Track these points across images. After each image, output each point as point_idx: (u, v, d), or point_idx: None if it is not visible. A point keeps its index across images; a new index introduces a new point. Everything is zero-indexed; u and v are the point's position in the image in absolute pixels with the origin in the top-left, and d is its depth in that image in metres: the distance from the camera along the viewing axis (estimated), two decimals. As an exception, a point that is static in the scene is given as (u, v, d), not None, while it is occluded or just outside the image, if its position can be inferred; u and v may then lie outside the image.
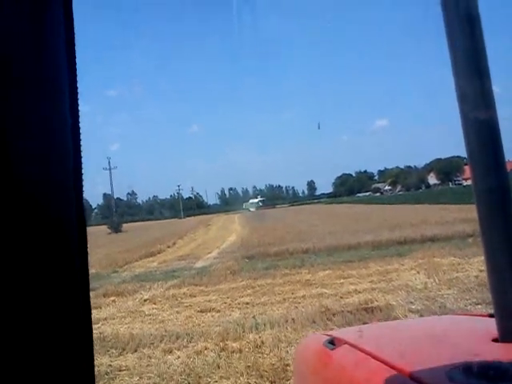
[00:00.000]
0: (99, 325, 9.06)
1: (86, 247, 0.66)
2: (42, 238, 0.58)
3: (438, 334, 1.09)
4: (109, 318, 9.54)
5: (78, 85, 0.67)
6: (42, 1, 0.61)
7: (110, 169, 76.54)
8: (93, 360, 0.65)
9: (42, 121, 0.60)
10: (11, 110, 0.57)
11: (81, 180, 0.66)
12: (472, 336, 1.00)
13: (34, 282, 0.57)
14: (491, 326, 0.88)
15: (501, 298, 0.82)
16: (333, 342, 1.27)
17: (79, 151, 0.66)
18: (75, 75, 0.66)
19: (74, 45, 0.66)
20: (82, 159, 0.67)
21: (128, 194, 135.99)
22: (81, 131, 0.67)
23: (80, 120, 0.66)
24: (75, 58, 0.67)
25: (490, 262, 0.81)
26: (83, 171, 0.67)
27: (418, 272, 10.69)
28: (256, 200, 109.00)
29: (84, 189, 0.66)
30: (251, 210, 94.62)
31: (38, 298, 0.57)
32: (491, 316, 0.93)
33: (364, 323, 7.45)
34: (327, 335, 1.38)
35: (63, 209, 0.62)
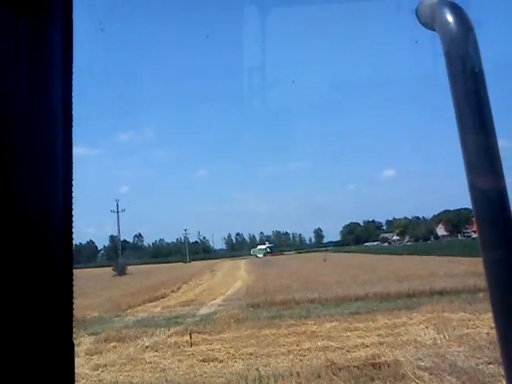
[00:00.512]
0: (98, 372, 8.84)
1: (71, 253, 0.67)
2: (28, 246, 0.60)
3: None
4: (109, 364, 9.31)
5: (72, 97, 0.70)
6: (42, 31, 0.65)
7: (117, 211, 77.03)
8: (73, 367, 0.65)
9: (34, 130, 0.63)
10: (4, 124, 0.60)
11: (70, 191, 0.68)
12: None
13: (17, 286, 0.58)
14: None
15: None
16: None
17: (70, 161, 0.69)
18: (70, 94, 0.70)
19: (71, 63, 0.70)
20: (73, 169, 0.70)
21: (135, 236, 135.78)
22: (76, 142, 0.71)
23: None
24: (72, 78, 0.70)
25: (503, 343, 0.77)
26: (73, 180, 0.70)
27: (427, 327, 10.41)
28: (264, 246, 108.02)
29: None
30: (259, 256, 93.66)
31: (20, 304, 0.58)
32: None
33: (371, 379, 7.21)
34: None
35: (51, 218, 0.63)
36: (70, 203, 0.69)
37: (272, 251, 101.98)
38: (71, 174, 0.70)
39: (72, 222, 0.69)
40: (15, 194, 0.60)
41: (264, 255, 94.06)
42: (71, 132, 0.71)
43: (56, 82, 0.68)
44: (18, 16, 0.63)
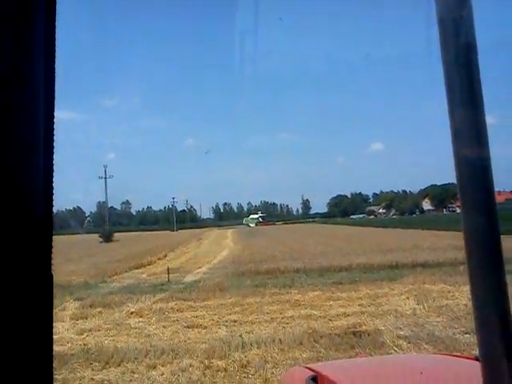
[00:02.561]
0: (84, 336, 8.93)
1: (51, 248, 0.65)
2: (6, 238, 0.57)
3: (420, 373, 1.07)
4: (94, 329, 9.40)
5: (55, 87, 0.67)
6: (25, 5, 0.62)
7: (105, 178, 76.28)
8: (51, 367, 0.63)
9: (12, 120, 0.60)
10: None
11: (51, 181, 0.65)
12: (455, 381, 0.97)
13: None
14: (476, 370, 0.84)
15: (487, 342, 0.78)
16: (315, 379, 1.25)
17: (51, 151, 0.66)
18: (53, 78, 0.66)
19: (54, 49, 0.66)
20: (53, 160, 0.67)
21: (122, 203, 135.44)
22: (58, 135, 0.67)
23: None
24: (54, 63, 0.67)
25: (478, 310, 0.78)
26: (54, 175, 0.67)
27: (408, 297, 10.66)
28: (256, 216, 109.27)
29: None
30: (251, 225, 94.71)
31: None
32: (477, 359, 0.90)
33: (351, 346, 7.39)
34: (310, 369, 1.36)
35: (31, 210, 0.61)
36: (51, 167, 0.66)
37: (264, 220, 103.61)
38: (52, 140, 0.67)
39: (53, 187, 0.66)
40: None
41: (256, 225, 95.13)
42: (53, 99, 0.67)
43: (38, 52, 0.64)
44: None
